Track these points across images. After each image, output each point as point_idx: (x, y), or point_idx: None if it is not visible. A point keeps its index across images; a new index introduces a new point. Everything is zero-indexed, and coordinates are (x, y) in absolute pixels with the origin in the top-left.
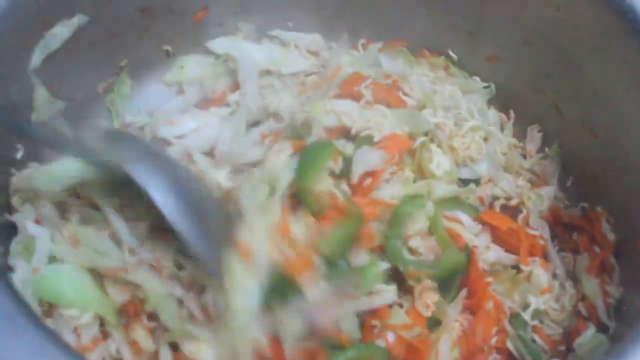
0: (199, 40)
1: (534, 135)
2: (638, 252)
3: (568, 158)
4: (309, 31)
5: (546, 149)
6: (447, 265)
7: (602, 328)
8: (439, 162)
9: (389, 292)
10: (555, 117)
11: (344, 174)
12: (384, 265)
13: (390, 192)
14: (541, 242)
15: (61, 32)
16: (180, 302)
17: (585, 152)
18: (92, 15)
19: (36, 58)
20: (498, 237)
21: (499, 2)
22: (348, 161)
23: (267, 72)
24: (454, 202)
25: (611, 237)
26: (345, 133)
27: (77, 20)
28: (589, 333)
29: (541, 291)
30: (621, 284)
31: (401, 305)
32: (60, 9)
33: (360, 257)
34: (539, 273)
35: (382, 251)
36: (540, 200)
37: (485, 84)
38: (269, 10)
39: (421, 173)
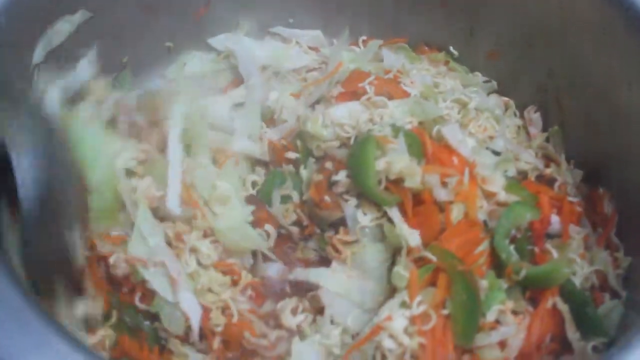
0: (201, 36)
1: (533, 117)
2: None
3: (569, 150)
4: (310, 28)
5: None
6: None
7: (613, 297)
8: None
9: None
10: (557, 113)
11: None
12: (504, 285)
13: None
14: (578, 209)
15: (64, 27)
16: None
17: (587, 146)
18: (95, 11)
19: (38, 53)
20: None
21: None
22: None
23: (268, 68)
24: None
25: (614, 217)
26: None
27: (80, 16)
28: (610, 303)
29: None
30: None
31: None
32: (63, 5)
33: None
34: (576, 238)
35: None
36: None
37: (485, 79)
38: (271, 7)
39: None
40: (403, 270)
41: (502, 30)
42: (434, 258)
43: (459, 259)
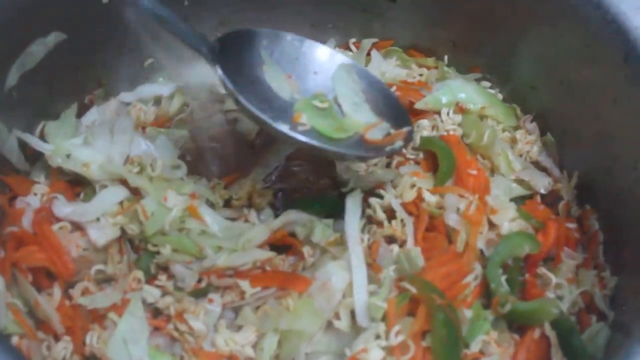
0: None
1: (529, 126)
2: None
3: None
4: None
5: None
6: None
7: (600, 318)
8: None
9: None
10: (542, 127)
11: None
12: (489, 316)
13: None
14: (576, 235)
15: (37, 50)
16: None
17: (572, 160)
18: (70, 31)
19: (12, 77)
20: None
21: (482, 14)
22: None
23: None
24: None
25: (599, 236)
26: None
27: (54, 37)
28: (597, 325)
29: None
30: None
31: None
32: (36, 27)
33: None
34: (568, 263)
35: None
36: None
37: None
38: (248, 22)
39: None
40: (381, 302)
41: (485, 44)
42: (413, 289)
43: (439, 291)
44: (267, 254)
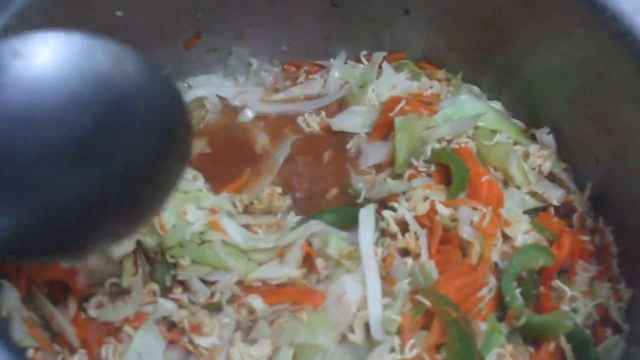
0: (193, 65)
1: (546, 139)
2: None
3: None
4: (305, 53)
5: None
6: (551, 326)
7: (615, 331)
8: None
9: None
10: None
11: None
12: (504, 329)
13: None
14: (590, 247)
15: None
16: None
17: (585, 172)
18: None
19: None
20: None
21: (494, 26)
22: None
23: None
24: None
25: (613, 247)
26: None
27: None
28: (612, 339)
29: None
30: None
31: None
32: None
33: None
34: (582, 275)
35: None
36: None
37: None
38: (262, 34)
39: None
40: (395, 315)
41: (496, 56)
42: (427, 303)
43: (454, 304)
44: (299, 271)
